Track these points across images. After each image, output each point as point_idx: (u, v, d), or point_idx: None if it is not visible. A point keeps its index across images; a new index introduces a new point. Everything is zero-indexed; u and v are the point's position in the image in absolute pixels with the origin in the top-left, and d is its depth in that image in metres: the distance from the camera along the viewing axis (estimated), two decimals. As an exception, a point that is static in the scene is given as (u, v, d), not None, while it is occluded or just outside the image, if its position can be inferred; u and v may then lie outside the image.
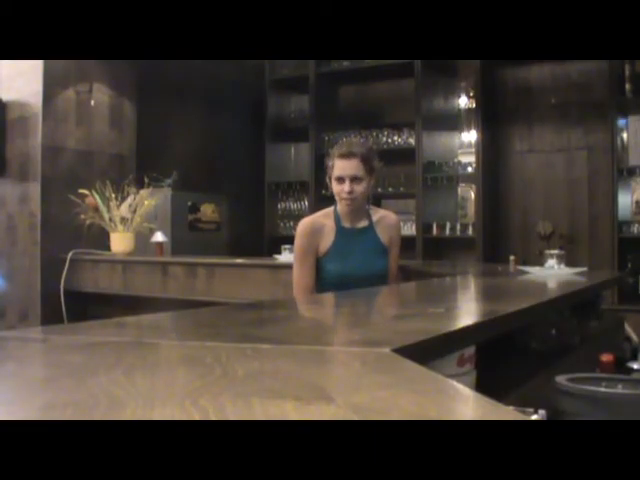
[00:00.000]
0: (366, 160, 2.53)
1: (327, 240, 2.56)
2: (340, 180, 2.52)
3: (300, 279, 2.56)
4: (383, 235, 2.65)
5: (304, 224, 2.59)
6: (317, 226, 2.57)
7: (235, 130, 6.01)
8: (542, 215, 5.13)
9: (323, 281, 2.54)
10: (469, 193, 5.33)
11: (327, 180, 2.61)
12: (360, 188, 2.53)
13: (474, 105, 5.21)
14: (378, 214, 2.68)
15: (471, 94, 5.32)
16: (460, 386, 0.69)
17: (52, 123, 4.54)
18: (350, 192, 2.51)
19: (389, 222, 2.68)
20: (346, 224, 2.60)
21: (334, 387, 0.68)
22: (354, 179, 2.51)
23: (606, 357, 1.75)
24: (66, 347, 0.96)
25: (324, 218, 2.61)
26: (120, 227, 4.33)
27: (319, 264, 2.57)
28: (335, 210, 2.62)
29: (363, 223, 2.63)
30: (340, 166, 2.52)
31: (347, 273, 2.52)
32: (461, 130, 5.44)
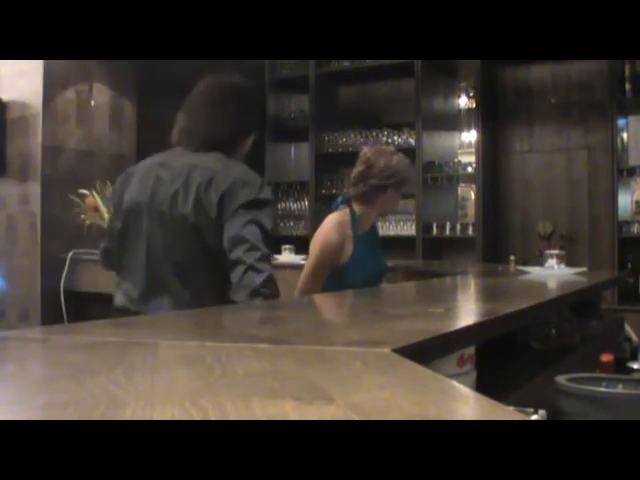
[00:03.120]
0: None
1: (347, 250, 2.47)
2: (401, 196, 2.65)
3: (316, 289, 2.42)
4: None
5: (333, 237, 2.46)
6: (343, 237, 2.47)
7: (235, 130, 6.01)
8: (542, 215, 5.13)
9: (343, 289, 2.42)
10: (469, 193, 5.33)
11: (377, 189, 2.53)
12: None
13: (474, 105, 5.21)
14: None
15: (471, 94, 5.32)
16: (460, 386, 0.69)
17: (52, 123, 4.53)
18: None
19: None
20: (361, 231, 2.55)
21: (334, 387, 0.68)
22: None
23: (606, 357, 1.74)
24: (66, 347, 0.96)
25: (344, 227, 2.50)
26: (120, 227, 4.33)
27: (337, 274, 2.45)
28: (353, 217, 2.52)
29: (370, 225, 2.64)
30: (408, 185, 2.67)
31: (365, 279, 2.44)
32: (461, 130, 5.45)
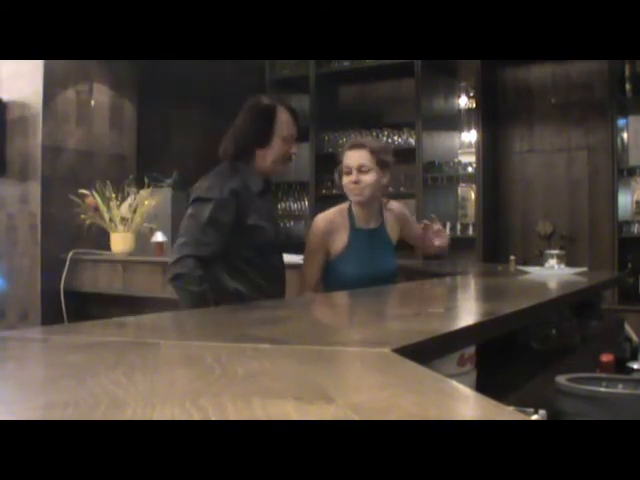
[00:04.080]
0: (375, 152, 2.48)
1: (340, 241, 2.47)
2: (348, 171, 2.46)
3: (308, 278, 2.48)
4: (392, 232, 2.61)
5: (319, 221, 2.51)
6: (332, 225, 2.48)
7: (235, 130, 6.00)
8: (542, 215, 5.13)
9: (334, 283, 2.43)
10: (469, 193, 5.33)
11: (338, 180, 2.54)
12: (368, 178, 2.45)
13: (474, 105, 5.21)
14: (386, 211, 2.62)
15: (471, 94, 5.31)
16: (460, 386, 0.69)
17: (52, 123, 4.53)
18: (357, 182, 2.43)
19: (394, 215, 2.63)
20: (360, 224, 2.51)
21: (334, 387, 0.68)
22: (361, 169, 2.45)
23: (606, 357, 1.74)
24: (66, 347, 0.97)
25: (339, 216, 2.52)
26: (120, 227, 4.33)
27: (330, 266, 2.47)
28: (349, 209, 2.53)
29: (375, 223, 2.56)
30: (348, 156, 2.48)
31: (361, 276, 2.41)
32: (461, 130, 5.44)
